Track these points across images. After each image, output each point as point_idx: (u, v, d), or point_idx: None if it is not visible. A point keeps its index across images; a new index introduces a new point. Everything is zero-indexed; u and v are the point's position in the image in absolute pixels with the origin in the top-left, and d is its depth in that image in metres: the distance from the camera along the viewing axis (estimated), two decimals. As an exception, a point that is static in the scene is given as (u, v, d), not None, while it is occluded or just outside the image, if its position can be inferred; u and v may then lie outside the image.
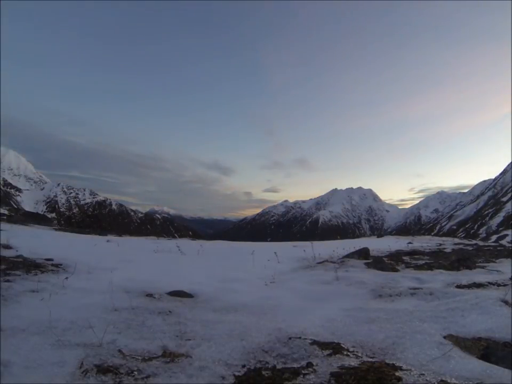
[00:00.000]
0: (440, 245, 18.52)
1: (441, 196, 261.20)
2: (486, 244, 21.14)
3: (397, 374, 1.78)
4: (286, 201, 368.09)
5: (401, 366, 1.92)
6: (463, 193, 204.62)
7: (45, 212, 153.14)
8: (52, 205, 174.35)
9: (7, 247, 6.99)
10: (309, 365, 1.99)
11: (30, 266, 4.89)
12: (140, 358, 2.06)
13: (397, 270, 6.68)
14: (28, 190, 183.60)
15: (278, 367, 2.00)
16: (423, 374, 1.79)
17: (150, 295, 3.92)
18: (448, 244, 19.53)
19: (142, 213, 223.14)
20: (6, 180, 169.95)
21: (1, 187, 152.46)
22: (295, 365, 2.01)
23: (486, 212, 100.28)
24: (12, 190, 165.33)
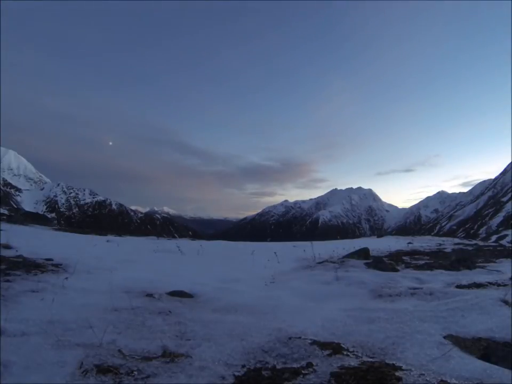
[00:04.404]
0: (440, 245, 18.52)
1: (441, 195, 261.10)
2: (486, 244, 21.13)
3: (397, 374, 1.78)
4: (286, 201, 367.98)
5: (401, 366, 1.92)
6: (463, 193, 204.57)
7: (44, 211, 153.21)
8: (51, 205, 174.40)
9: (7, 247, 6.98)
10: (309, 365, 1.99)
11: (30, 266, 4.89)
12: (139, 358, 2.05)
13: (397, 270, 6.68)
14: (27, 190, 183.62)
15: (278, 367, 2.00)
16: (423, 374, 1.79)
17: (150, 295, 3.92)
18: (448, 244, 19.53)
19: (142, 213, 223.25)
20: (6, 180, 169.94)
21: (1, 187, 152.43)
22: (295, 365, 2.01)
23: (486, 212, 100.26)
24: (12, 190, 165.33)
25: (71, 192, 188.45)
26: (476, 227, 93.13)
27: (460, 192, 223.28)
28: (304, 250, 10.43)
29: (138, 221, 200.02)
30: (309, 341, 2.41)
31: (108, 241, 14.69)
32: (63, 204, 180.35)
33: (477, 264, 7.45)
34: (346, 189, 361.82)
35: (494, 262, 8.34)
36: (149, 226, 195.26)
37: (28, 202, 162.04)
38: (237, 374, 1.90)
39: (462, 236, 78.45)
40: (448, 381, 1.74)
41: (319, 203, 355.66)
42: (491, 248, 15.91)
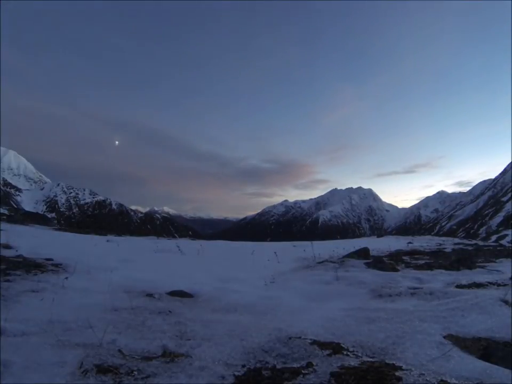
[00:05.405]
0: (440, 244, 18.52)
1: (441, 195, 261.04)
2: (486, 244, 21.14)
3: (397, 374, 1.78)
4: (286, 201, 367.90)
5: (401, 366, 1.92)
6: (463, 193, 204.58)
7: (44, 211, 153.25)
8: (51, 204, 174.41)
9: (7, 247, 6.98)
10: (309, 364, 1.99)
11: (30, 266, 4.89)
12: (139, 358, 2.05)
13: (397, 270, 6.68)
14: (27, 190, 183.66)
15: (278, 367, 2.00)
16: (423, 374, 1.79)
17: (150, 295, 3.92)
18: (448, 243, 19.53)
19: (142, 213, 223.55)
20: (6, 180, 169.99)
21: (1, 187, 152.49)
22: (295, 365, 2.01)
23: (486, 212, 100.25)
24: (12, 190, 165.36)
25: (71, 192, 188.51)
26: (476, 227, 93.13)
27: (459, 192, 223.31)
28: (304, 250, 10.44)
29: (138, 221, 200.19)
30: (309, 341, 2.41)
31: (108, 241, 14.69)
32: (63, 204, 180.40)
33: (477, 264, 7.45)
34: (346, 189, 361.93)
35: (494, 262, 8.33)
36: (149, 226, 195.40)
37: (28, 202, 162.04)
38: (237, 373, 1.90)
39: (462, 235, 78.44)
40: (448, 380, 1.74)
41: (319, 203, 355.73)
42: (491, 248, 15.92)
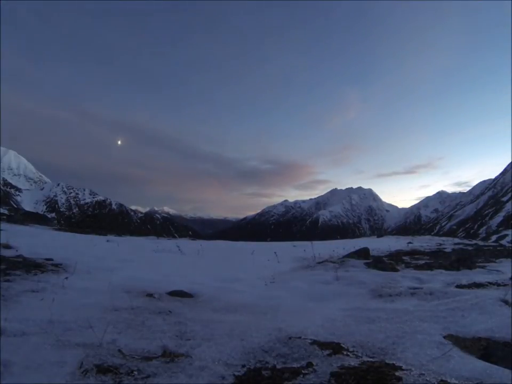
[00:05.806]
0: (440, 244, 18.52)
1: (441, 195, 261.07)
2: (486, 244, 21.14)
3: (397, 374, 1.78)
4: (285, 201, 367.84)
5: (401, 366, 1.92)
6: (463, 193, 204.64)
7: (44, 211, 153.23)
8: (51, 204, 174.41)
9: (7, 247, 6.98)
10: (309, 364, 1.99)
11: (30, 266, 4.88)
12: (139, 358, 2.05)
13: (397, 270, 6.68)
14: (27, 190, 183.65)
15: (278, 367, 2.00)
16: (423, 374, 1.79)
17: (150, 295, 3.92)
18: (448, 243, 19.53)
19: (142, 213, 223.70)
20: (6, 180, 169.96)
21: (1, 187, 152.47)
22: (295, 365, 2.01)
23: (486, 212, 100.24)
24: (12, 190, 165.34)
25: (71, 192, 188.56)
26: (475, 227, 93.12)
27: (459, 192, 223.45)
28: (304, 250, 10.44)
29: (138, 221, 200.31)
30: (309, 341, 2.41)
31: (108, 241, 14.70)
32: (63, 204, 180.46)
33: (477, 264, 7.45)
34: (346, 188, 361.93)
35: (494, 262, 8.34)
36: (149, 226, 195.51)
37: (28, 202, 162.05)
38: (237, 373, 1.90)
39: (462, 235, 78.42)
40: (448, 380, 1.74)
41: (319, 203, 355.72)
42: (491, 248, 15.93)
